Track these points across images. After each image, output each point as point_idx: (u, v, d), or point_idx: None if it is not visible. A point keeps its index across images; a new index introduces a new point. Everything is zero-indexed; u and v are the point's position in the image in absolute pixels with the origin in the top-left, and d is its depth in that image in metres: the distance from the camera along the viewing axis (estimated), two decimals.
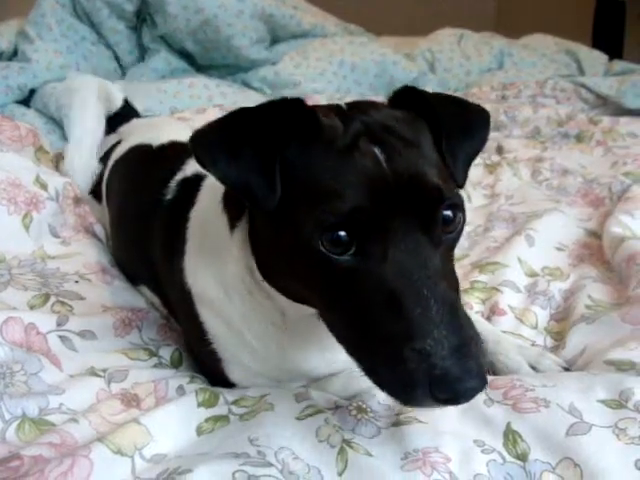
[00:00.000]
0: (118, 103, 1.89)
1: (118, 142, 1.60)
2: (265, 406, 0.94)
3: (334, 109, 0.88)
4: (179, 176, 1.19)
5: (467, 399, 0.72)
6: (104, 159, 1.61)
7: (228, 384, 1.05)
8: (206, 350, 1.05)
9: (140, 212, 1.25)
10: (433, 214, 0.79)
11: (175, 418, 0.92)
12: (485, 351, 0.77)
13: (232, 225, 0.97)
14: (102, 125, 1.82)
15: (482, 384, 0.72)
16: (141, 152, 1.44)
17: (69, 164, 1.71)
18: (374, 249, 0.77)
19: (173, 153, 1.31)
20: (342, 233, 0.76)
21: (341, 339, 0.82)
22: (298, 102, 0.84)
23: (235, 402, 0.97)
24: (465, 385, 0.71)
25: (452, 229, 0.81)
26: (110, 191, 1.49)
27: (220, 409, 0.95)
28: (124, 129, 1.72)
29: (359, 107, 0.89)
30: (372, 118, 0.85)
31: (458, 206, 0.82)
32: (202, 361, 1.11)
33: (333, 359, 1.02)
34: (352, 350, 0.80)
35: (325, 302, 0.82)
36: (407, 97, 0.90)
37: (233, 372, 1.05)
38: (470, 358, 0.72)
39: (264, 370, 1.03)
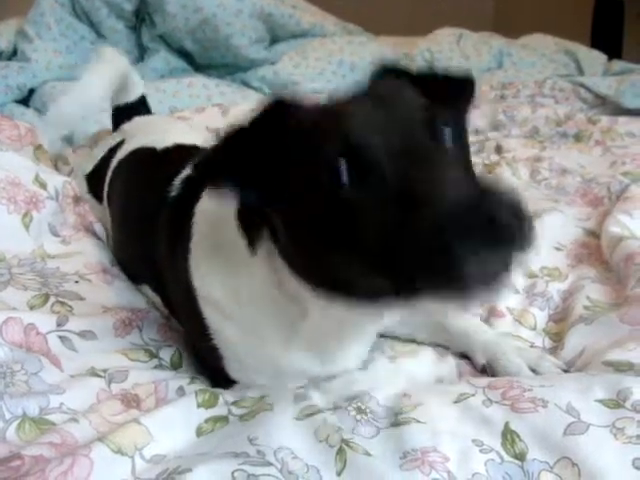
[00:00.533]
0: (133, 96, 1.85)
1: (121, 142, 1.60)
2: (264, 406, 0.94)
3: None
4: (183, 174, 1.19)
5: (513, 233, 0.67)
6: (107, 158, 1.60)
7: (229, 381, 1.06)
8: (207, 346, 1.05)
9: (144, 211, 1.26)
10: (427, 123, 0.80)
11: (175, 419, 0.92)
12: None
13: (252, 247, 0.95)
14: (102, 101, 1.81)
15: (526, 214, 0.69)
16: (145, 154, 1.44)
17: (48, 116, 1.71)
18: (372, 167, 0.76)
19: (177, 156, 1.31)
20: (342, 166, 0.76)
21: (384, 288, 0.76)
22: (278, 104, 0.86)
23: (235, 403, 0.97)
24: (505, 212, 0.67)
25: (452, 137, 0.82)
26: (112, 192, 1.49)
27: (220, 409, 0.96)
28: (127, 128, 1.71)
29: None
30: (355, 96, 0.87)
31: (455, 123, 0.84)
32: (203, 358, 1.11)
33: (347, 359, 1.04)
34: (400, 288, 0.74)
35: (364, 252, 0.76)
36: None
37: (234, 369, 1.05)
38: (502, 193, 0.69)
39: (269, 371, 1.03)
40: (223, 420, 0.94)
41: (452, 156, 0.81)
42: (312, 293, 0.88)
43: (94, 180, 1.62)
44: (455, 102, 0.92)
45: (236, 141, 0.86)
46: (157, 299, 1.26)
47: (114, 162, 1.53)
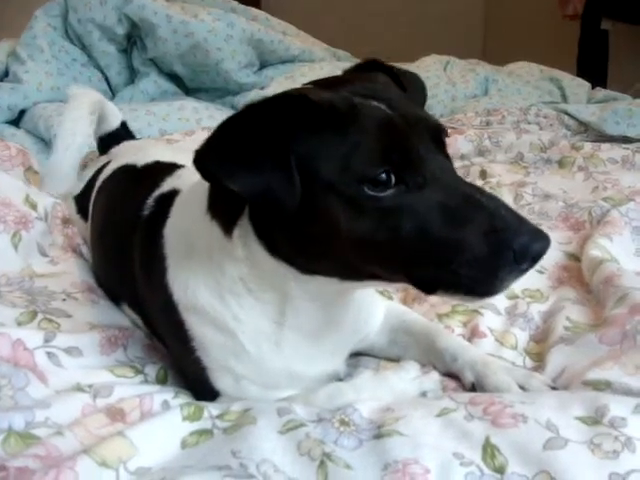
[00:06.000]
0: (114, 124, 1.90)
1: (107, 163, 1.62)
2: (248, 420, 0.95)
3: (320, 85, 0.99)
4: (156, 193, 1.21)
5: (545, 251, 0.86)
6: (93, 179, 1.62)
7: (213, 394, 1.07)
8: (190, 359, 1.06)
9: (119, 230, 1.27)
10: (442, 139, 0.94)
11: (160, 432, 0.93)
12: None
13: (228, 229, 0.99)
14: (88, 139, 1.83)
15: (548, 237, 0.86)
16: (126, 172, 1.46)
17: (49, 175, 1.71)
18: (412, 176, 0.87)
19: (154, 172, 1.33)
20: (382, 174, 0.85)
21: (397, 273, 0.91)
22: (301, 97, 0.90)
23: (219, 416, 0.98)
24: (541, 240, 0.85)
25: None
26: (95, 210, 1.51)
27: (204, 423, 0.96)
28: (114, 150, 1.74)
29: (339, 81, 1.02)
30: (356, 86, 0.96)
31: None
32: (187, 371, 1.12)
33: (330, 358, 1.08)
34: (422, 276, 0.89)
35: (388, 252, 0.88)
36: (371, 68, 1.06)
37: (218, 379, 1.06)
38: (527, 221, 0.85)
39: (253, 375, 1.05)
40: (208, 433, 0.95)
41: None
42: (293, 270, 0.96)
43: (82, 200, 1.63)
44: (422, 99, 1.10)
45: (244, 125, 0.88)
46: (136, 318, 1.26)
47: (99, 182, 1.55)
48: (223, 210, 1.01)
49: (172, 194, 1.17)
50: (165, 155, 1.46)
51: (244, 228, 0.98)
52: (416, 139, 0.88)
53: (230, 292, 1.02)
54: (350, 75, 1.07)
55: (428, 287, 0.90)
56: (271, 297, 1.01)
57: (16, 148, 1.72)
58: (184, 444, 0.93)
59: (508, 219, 0.84)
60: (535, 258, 0.85)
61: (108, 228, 1.36)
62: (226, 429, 0.95)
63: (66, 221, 1.53)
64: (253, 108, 0.89)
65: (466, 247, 0.84)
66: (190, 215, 1.07)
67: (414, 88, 1.07)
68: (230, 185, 0.85)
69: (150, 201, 1.20)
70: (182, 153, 1.54)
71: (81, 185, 1.69)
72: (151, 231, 1.13)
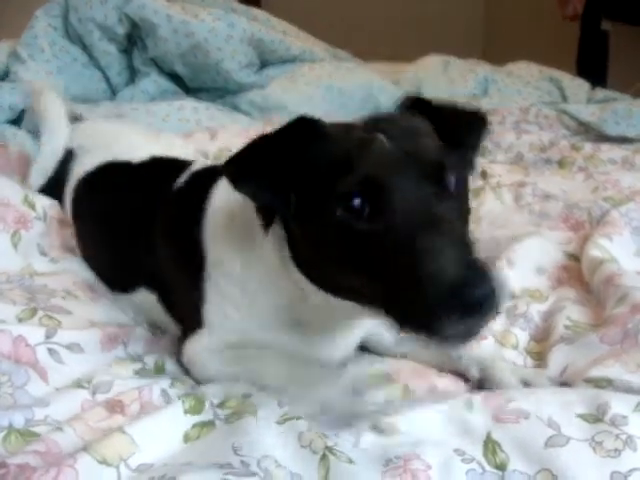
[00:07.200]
0: None
1: (69, 153, 1.62)
2: (249, 408, 0.96)
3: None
4: (186, 173, 1.30)
5: (490, 306, 0.81)
6: (60, 172, 1.62)
7: (197, 326, 1.14)
8: (194, 294, 1.14)
9: (139, 215, 1.32)
10: (441, 175, 0.92)
11: (161, 426, 0.93)
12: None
13: (265, 228, 1.03)
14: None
15: (500, 288, 0.81)
16: (121, 168, 1.49)
17: (36, 168, 1.69)
18: (385, 208, 0.88)
19: (169, 164, 1.42)
20: (356, 200, 0.88)
21: (374, 303, 0.92)
22: (311, 121, 0.98)
23: (220, 405, 0.99)
24: (485, 289, 0.80)
25: (455, 192, 0.94)
26: (83, 207, 1.51)
27: (206, 415, 0.97)
28: (74, 141, 1.70)
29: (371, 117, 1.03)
30: (375, 119, 1.00)
31: (460, 171, 0.95)
32: (184, 307, 1.19)
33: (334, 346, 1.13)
34: (387, 309, 0.89)
35: (358, 274, 0.91)
36: (415, 106, 1.05)
37: (211, 312, 1.13)
38: (484, 270, 0.82)
39: (246, 324, 1.11)
40: (210, 425, 0.96)
41: (453, 207, 0.92)
42: (313, 285, 1.01)
43: (51, 194, 1.61)
44: (467, 138, 1.05)
45: (261, 148, 0.99)
46: (151, 297, 1.29)
47: (73, 180, 1.55)
48: (264, 211, 1.04)
49: (211, 172, 1.25)
50: (150, 149, 1.54)
51: (276, 233, 1.04)
52: (400, 174, 0.89)
53: (257, 269, 1.10)
54: (389, 114, 1.07)
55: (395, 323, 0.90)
56: (293, 292, 1.07)
57: (16, 154, 1.73)
58: (186, 438, 0.93)
59: (453, 265, 0.81)
60: (476, 304, 0.80)
61: (121, 216, 1.39)
62: (227, 418, 0.96)
63: (62, 222, 1.53)
64: (274, 133, 0.99)
65: (405, 287, 0.84)
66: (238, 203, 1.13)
67: (457, 125, 1.03)
68: (240, 192, 0.98)
69: (182, 179, 1.29)
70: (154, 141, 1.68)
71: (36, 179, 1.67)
72: (192, 198, 1.22)
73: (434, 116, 1.02)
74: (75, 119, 1.81)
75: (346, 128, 0.99)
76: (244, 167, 0.99)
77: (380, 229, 0.87)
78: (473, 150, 1.07)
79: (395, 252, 0.85)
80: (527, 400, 0.95)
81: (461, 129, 1.04)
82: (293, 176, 0.95)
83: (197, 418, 0.96)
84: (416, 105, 1.05)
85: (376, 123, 0.98)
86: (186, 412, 0.97)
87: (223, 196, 1.17)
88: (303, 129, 0.97)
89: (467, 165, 1.03)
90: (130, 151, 1.51)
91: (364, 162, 0.90)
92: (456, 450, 0.87)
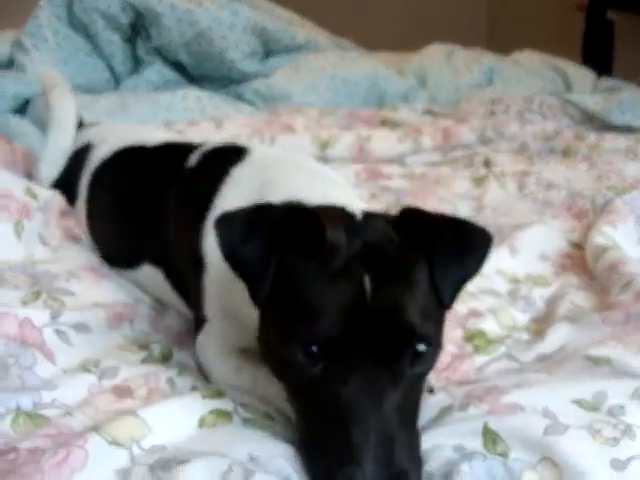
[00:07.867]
0: None
1: (85, 147, 1.63)
2: (267, 422, 0.95)
3: (347, 219, 0.94)
4: (198, 152, 1.31)
5: None
6: (75, 163, 1.63)
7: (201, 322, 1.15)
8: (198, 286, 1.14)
9: (151, 193, 1.34)
10: (400, 350, 0.84)
11: (176, 410, 0.92)
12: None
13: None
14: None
15: None
16: (137, 150, 1.51)
17: (44, 160, 1.70)
18: (338, 373, 0.83)
19: (178, 146, 1.42)
20: (314, 349, 0.83)
21: (296, 428, 0.90)
22: (312, 215, 0.90)
23: (243, 405, 0.97)
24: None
25: (421, 363, 0.86)
26: (100, 189, 1.53)
27: (225, 404, 0.95)
28: (91, 136, 1.71)
29: (370, 221, 0.95)
30: (375, 239, 0.90)
31: (430, 343, 0.86)
32: (192, 293, 1.20)
33: None
34: (300, 439, 0.88)
35: (292, 394, 0.90)
36: (413, 218, 0.93)
37: (210, 296, 1.13)
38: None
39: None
40: (227, 416, 0.93)
41: (406, 391, 0.85)
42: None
43: (65, 184, 1.63)
44: (463, 259, 0.93)
45: (255, 215, 0.93)
46: (159, 273, 1.30)
47: (91, 163, 1.57)
48: None
49: (236, 151, 1.26)
50: (159, 135, 1.58)
51: None
52: (363, 341, 0.82)
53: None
54: (389, 222, 0.95)
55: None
56: None
57: (21, 152, 1.74)
58: (202, 422, 0.91)
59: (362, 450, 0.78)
60: None
61: (134, 195, 1.41)
62: (246, 420, 0.94)
63: (64, 213, 1.53)
64: (273, 209, 0.96)
65: (323, 460, 0.82)
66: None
67: (448, 245, 0.91)
68: (221, 247, 0.91)
69: (195, 158, 1.30)
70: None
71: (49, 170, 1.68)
72: (210, 171, 1.23)
73: (432, 236, 0.90)
74: (80, 124, 1.81)
75: (347, 237, 0.89)
76: (232, 234, 0.91)
77: (328, 386, 0.83)
78: (470, 275, 0.94)
79: (332, 416, 0.82)
80: (520, 394, 0.95)
81: (462, 257, 0.93)
82: (275, 261, 0.88)
83: (216, 404, 0.94)
84: (414, 219, 0.93)
85: (373, 247, 0.89)
86: (204, 397, 0.96)
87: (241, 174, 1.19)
88: (302, 218, 0.90)
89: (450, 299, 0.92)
90: (146, 139, 1.53)
91: (332, 317, 0.83)
92: (456, 447, 0.87)
